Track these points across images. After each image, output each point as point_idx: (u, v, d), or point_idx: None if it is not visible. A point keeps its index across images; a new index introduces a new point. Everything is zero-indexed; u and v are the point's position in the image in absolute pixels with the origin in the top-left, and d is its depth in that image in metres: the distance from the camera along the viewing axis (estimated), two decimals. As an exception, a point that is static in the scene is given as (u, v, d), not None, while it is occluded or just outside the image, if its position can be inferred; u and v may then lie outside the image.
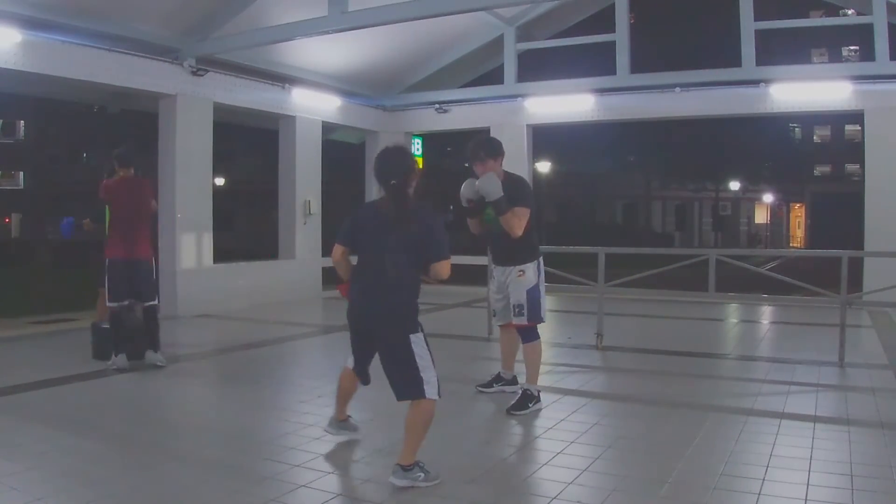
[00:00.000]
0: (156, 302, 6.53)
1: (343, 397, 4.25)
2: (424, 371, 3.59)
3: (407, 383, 3.61)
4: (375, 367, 3.78)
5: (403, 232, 3.60)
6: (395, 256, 3.60)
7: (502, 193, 4.76)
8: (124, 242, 6.22)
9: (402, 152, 3.82)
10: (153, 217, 6.85)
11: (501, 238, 4.99)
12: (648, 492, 3.49)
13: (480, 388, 5.48)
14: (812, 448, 4.08)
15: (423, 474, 3.58)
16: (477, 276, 9.13)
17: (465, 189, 4.96)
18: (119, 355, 6.17)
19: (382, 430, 4.48)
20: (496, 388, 5.44)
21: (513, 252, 5.05)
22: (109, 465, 3.88)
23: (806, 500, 3.36)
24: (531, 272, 5.03)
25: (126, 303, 6.29)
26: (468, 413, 5.01)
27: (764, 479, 3.61)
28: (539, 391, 5.03)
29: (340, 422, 4.30)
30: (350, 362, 4.02)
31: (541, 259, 5.15)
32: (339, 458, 3.98)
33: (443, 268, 3.62)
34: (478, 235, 5.22)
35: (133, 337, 6.32)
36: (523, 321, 5.02)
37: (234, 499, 3.45)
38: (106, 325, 6.43)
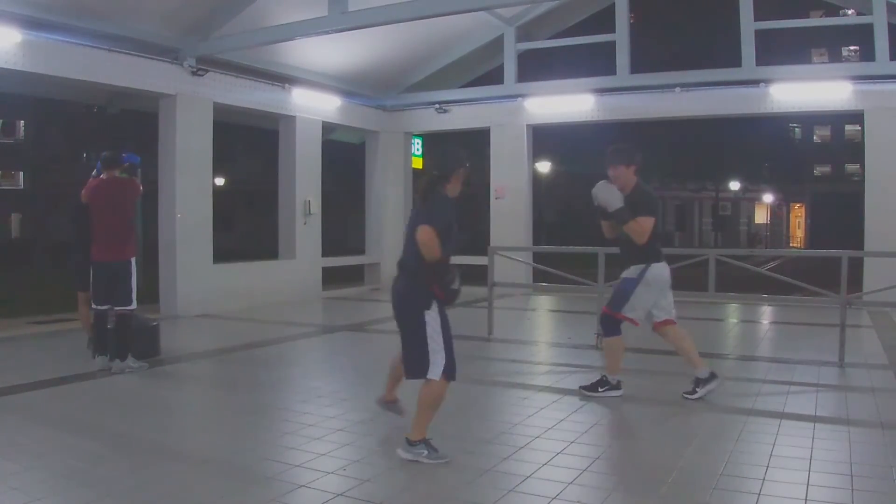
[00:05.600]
0: (130, 307, 6.19)
1: (392, 378, 4.47)
2: (434, 353, 3.77)
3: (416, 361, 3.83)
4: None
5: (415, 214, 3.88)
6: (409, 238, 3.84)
7: (620, 205, 4.99)
8: (105, 246, 6.13)
9: (450, 153, 4.02)
10: (133, 216, 6.49)
11: (622, 242, 5.24)
12: (648, 492, 3.48)
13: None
14: (812, 448, 4.08)
15: (426, 451, 3.80)
16: (477, 275, 9.10)
17: (597, 191, 5.19)
18: (99, 356, 6.17)
19: (382, 430, 4.48)
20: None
21: (627, 256, 5.26)
22: (109, 465, 3.88)
23: (806, 500, 3.36)
24: (634, 271, 5.18)
25: (106, 307, 6.17)
26: (468, 413, 5.01)
27: (764, 479, 3.61)
28: (618, 381, 5.27)
29: (387, 402, 4.54)
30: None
31: (653, 265, 5.15)
32: (339, 458, 3.98)
33: (419, 234, 3.70)
34: (610, 238, 5.36)
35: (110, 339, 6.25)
36: (604, 306, 5.36)
37: (234, 499, 3.45)
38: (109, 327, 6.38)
